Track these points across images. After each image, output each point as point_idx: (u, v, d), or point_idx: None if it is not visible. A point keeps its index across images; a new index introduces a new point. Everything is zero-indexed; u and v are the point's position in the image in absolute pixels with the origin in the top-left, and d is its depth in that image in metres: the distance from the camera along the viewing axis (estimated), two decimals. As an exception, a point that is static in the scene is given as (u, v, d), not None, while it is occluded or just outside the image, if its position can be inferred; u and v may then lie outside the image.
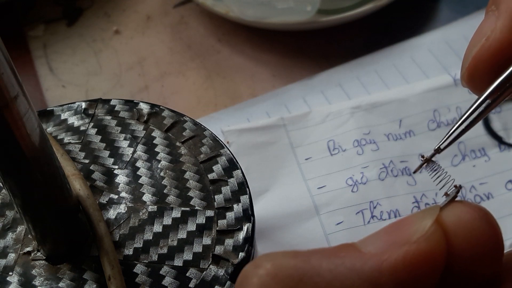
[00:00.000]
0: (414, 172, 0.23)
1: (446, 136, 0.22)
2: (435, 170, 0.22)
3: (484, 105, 0.21)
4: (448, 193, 0.19)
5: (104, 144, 0.36)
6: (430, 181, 0.44)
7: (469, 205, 0.19)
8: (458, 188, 0.19)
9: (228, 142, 0.45)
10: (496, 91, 0.21)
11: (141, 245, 0.32)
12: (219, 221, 0.32)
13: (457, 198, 0.19)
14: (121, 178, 0.34)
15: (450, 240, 0.18)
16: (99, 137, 0.36)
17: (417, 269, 0.17)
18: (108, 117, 0.37)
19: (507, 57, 0.21)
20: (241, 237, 0.32)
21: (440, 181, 0.21)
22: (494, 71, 0.21)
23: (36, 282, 0.31)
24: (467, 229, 0.18)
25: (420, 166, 0.22)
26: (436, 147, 0.22)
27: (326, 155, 0.44)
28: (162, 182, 0.34)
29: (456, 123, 0.22)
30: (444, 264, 0.18)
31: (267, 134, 0.45)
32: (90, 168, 0.35)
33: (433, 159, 0.22)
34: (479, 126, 0.44)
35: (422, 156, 0.22)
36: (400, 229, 0.18)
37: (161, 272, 0.31)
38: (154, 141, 0.36)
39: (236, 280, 0.18)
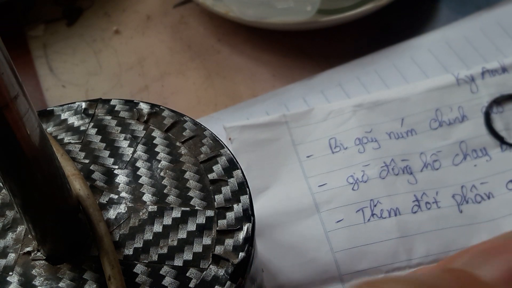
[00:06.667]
0: None
1: None
2: None
3: None
4: None
5: (104, 144, 0.36)
6: (431, 180, 0.44)
7: None
8: None
9: (230, 139, 0.44)
10: None
11: (141, 245, 0.32)
12: (219, 221, 0.32)
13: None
14: (121, 178, 0.34)
15: None
16: (99, 137, 0.36)
17: None
18: (108, 117, 0.37)
19: None
20: (241, 237, 0.32)
21: None
22: None
23: (36, 282, 0.31)
24: None
25: None
26: None
27: (327, 153, 0.44)
28: (162, 182, 0.34)
29: None
30: None
31: (269, 131, 0.45)
32: (90, 168, 0.35)
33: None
34: (481, 126, 0.44)
35: None
36: None
37: (161, 272, 0.31)
38: (154, 141, 0.36)
39: None
